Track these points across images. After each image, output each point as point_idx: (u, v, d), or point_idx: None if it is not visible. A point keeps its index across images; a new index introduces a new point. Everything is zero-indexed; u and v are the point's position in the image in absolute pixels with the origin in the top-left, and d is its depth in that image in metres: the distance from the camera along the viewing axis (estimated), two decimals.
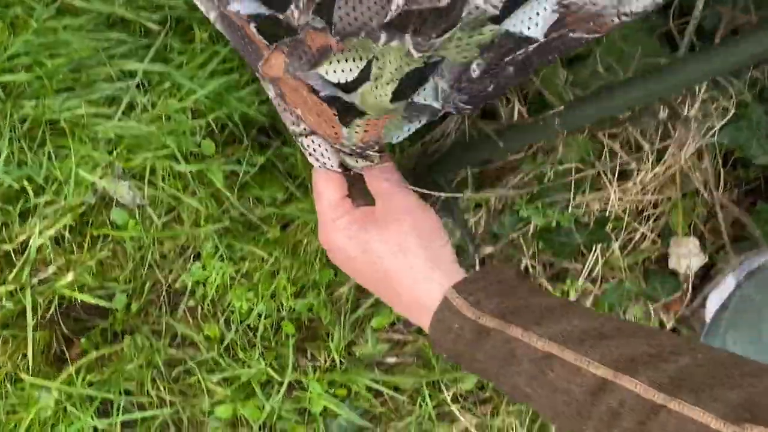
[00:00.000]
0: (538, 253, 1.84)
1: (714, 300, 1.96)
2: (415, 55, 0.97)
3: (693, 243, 1.96)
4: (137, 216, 1.47)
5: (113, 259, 1.55)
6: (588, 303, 1.86)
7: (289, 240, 1.64)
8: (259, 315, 1.66)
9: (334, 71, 1.01)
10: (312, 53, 1.00)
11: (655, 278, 1.90)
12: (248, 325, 1.68)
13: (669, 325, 1.96)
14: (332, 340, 1.71)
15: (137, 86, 1.42)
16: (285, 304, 1.67)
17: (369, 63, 1.00)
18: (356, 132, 1.08)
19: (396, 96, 1.02)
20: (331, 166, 1.15)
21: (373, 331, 1.74)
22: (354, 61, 1.00)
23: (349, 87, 1.02)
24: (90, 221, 1.47)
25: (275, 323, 1.69)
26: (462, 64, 1.03)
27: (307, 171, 1.58)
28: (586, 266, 1.84)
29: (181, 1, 1.38)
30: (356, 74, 1.00)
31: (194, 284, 1.62)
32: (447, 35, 0.95)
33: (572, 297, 1.85)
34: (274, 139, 1.57)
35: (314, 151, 1.15)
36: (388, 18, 0.94)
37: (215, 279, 1.61)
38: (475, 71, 1.04)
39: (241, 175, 1.53)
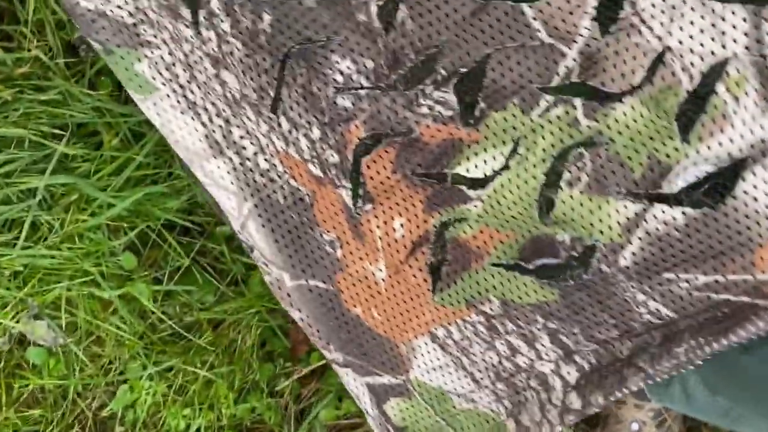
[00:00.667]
0: None
1: None
2: (583, 123, 0.82)
3: None
4: (57, 352, 1.29)
5: (30, 396, 1.36)
6: None
7: (222, 341, 1.49)
8: (198, 430, 1.51)
9: (475, 166, 0.87)
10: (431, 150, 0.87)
11: None
12: None
13: None
14: None
15: (39, 203, 1.25)
16: (225, 413, 1.52)
17: (516, 145, 0.85)
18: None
19: (548, 180, 0.85)
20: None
21: (322, 426, 1.62)
22: (495, 147, 0.86)
23: (482, 182, 0.88)
24: (3, 367, 1.28)
25: None
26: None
27: (236, 264, 1.44)
28: None
29: (84, 108, 1.22)
30: (502, 162, 0.86)
31: (123, 409, 1.45)
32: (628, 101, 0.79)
33: None
34: (194, 235, 1.42)
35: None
36: (556, 81, 0.81)
37: (145, 400, 1.45)
38: None
39: (164, 283, 1.37)
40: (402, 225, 0.93)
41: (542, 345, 0.94)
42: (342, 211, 0.94)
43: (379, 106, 0.88)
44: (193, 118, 0.93)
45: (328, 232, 0.96)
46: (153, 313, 1.39)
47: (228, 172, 0.94)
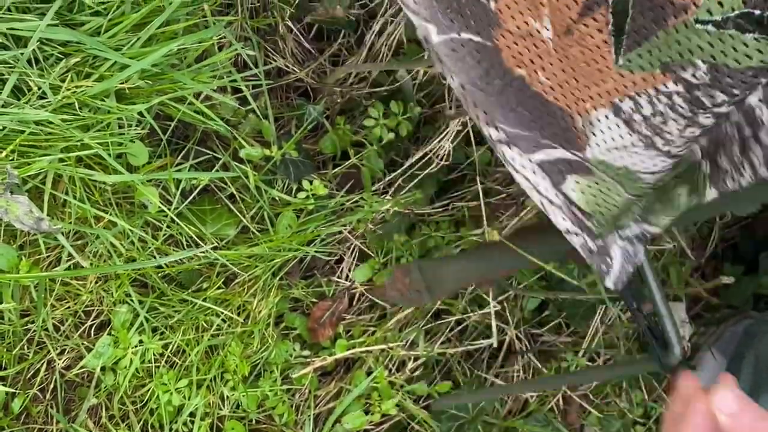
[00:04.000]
0: (523, 323, 1.51)
1: (700, 381, 1.69)
2: None
3: (682, 309, 1.71)
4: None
5: None
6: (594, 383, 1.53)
7: (234, 301, 1.21)
8: (192, 415, 1.19)
9: None
10: None
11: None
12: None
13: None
14: None
15: (29, 62, 1.00)
16: (230, 396, 1.21)
17: None
18: None
19: None
20: None
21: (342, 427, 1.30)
22: None
23: None
24: None
25: (214, 425, 1.22)
26: None
27: (264, 199, 1.19)
28: (586, 339, 1.53)
29: None
30: None
31: (102, 372, 1.14)
32: None
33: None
34: (219, 152, 1.17)
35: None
36: None
37: (131, 362, 1.14)
38: None
39: (174, 200, 1.11)
40: None
41: (762, 123, 0.73)
42: None
43: None
44: None
45: None
46: (156, 239, 1.11)
47: None
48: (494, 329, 1.42)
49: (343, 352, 1.31)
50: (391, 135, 1.26)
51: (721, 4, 0.68)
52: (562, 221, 0.92)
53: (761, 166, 0.76)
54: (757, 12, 0.67)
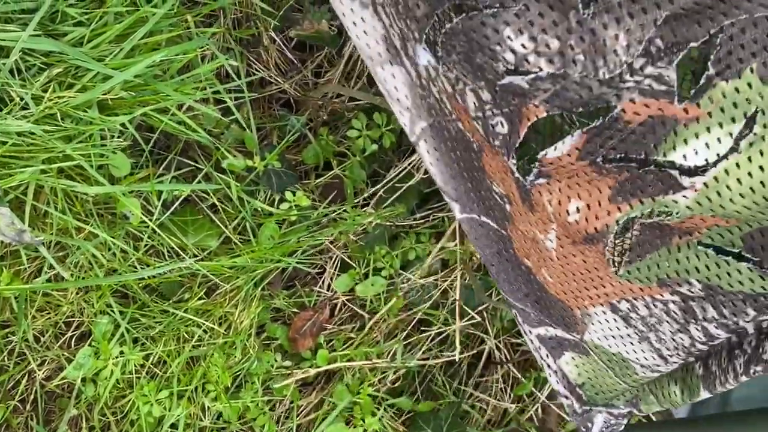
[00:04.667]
0: (503, 333, 1.52)
1: None
2: None
3: None
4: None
5: None
6: None
7: (215, 312, 1.21)
8: (174, 426, 1.19)
9: (695, 151, 0.69)
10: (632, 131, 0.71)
11: None
12: None
13: None
14: None
15: (11, 72, 1.00)
16: (211, 407, 1.22)
17: (751, 120, 0.68)
18: None
19: None
20: None
21: None
22: (722, 126, 0.69)
23: (700, 169, 0.71)
24: None
25: None
26: None
27: (246, 210, 1.19)
28: None
29: None
30: (729, 144, 0.69)
31: (82, 383, 1.14)
32: None
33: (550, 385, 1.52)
34: (201, 162, 1.18)
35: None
36: None
37: (112, 372, 1.14)
38: None
39: (156, 211, 1.11)
40: (578, 209, 0.78)
41: (746, 333, 0.80)
42: (509, 174, 0.81)
43: (567, 84, 0.71)
44: (372, 16, 0.83)
45: (498, 184, 0.84)
46: (137, 250, 1.12)
47: (403, 84, 0.84)
48: (457, 343, 1.43)
49: (324, 363, 1.32)
50: (374, 146, 1.27)
51: (722, 236, 0.72)
52: (555, 383, 0.99)
53: (741, 374, 0.81)
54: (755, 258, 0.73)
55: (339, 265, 1.33)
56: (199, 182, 1.18)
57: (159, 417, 1.18)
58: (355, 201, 1.28)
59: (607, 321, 0.88)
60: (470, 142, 0.83)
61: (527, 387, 1.50)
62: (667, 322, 0.83)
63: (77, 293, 1.13)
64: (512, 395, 1.51)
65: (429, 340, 1.43)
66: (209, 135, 1.15)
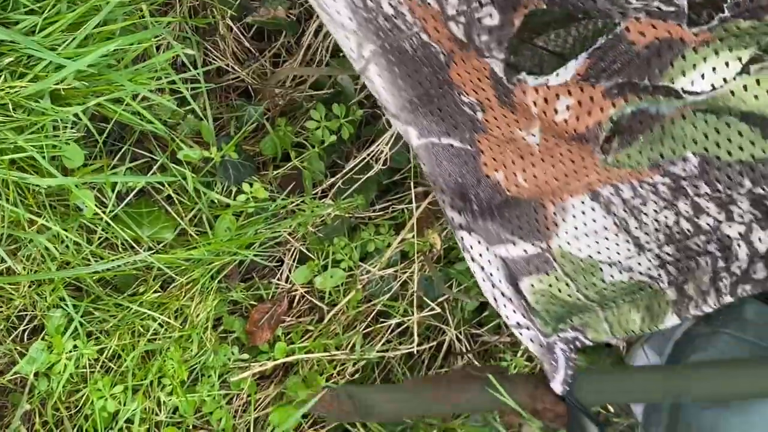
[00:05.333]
0: (463, 324, 1.53)
1: None
2: None
3: None
4: None
5: None
6: None
7: (171, 305, 1.20)
8: (129, 421, 1.18)
9: (702, 75, 0.68)
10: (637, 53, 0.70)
11: (591, 351, 1.63)
12: None
13: None
14: None
15: None
16: (167, 401, 1.21)
17: (765, 51, 0.67)
18: None
19: None
20: None
21: None
22: (732, 51, 0.67)
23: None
24: None
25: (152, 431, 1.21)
26: None
27: (202, 202, 1.18)
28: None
29: None
30: (739, 68, 0.67)
31: (35, 378, 1.13)
32: None
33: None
34: (156, 154, 1.16)
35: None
36: None
37: (65, 367, 1.13)
38: None
39: (109, 202, 1.10)
40: (568, 107, 0.75)
41: (738, 208, 0.77)
42: (487, 78, 0.79)
43: None
44: None
45: (467, 94, 0.82)
46: (90, 242, 1.10)
47: (345, 7, 0.81)
48: (416, 335, 1.43)
49: (282, 356, 1.31)
50: (333, 137, 1.26)
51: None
52: (512, 313, 0.96)
53: (726, 294, 0.81)
54: None
55: (297, 257, 1.32)
56: (155, 174, 1.17)
57: (114, 412, 1.17)
58: (314, 192, 1.28)
59: (584, 213, 0.85)
60: (434, 54, 0.80)
61: None
62: (653, 201, 0.81)
63: (30, 286, 1.11)
64: None
65: (389, 331, 1.43)
66: (165, 126, 1.13)
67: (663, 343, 1.73)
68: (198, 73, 1.14)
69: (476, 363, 1.53)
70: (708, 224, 0.80)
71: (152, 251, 1.16)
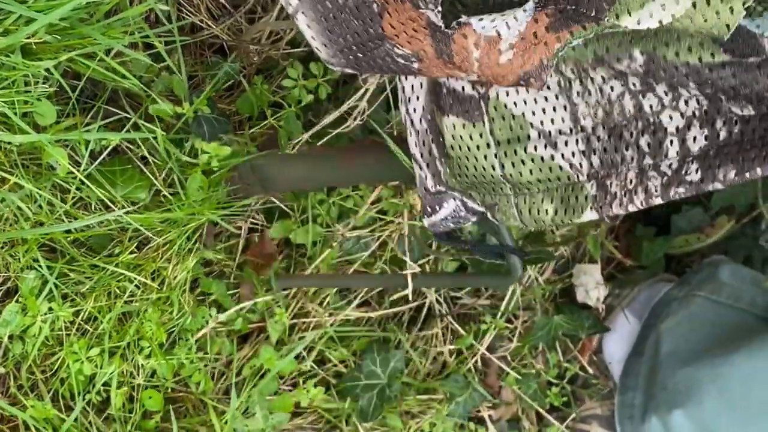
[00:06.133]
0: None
1: (612, 343, 1.74)
2: None
3: (597, 271, 1.76)
4: None
5: None
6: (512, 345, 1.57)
7: (147, 267, 1.19)
8: (107, 384, 1.18)
9: (650, 14, 0.65)
10: None
11: (571, 314, 1.64)
12: (89, 402, 1.18)
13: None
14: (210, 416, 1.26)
15: None
16: (145, 364, 1.20)
17: None
18: None
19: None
20: None
21: (262, 396, 1.31)
22: None
23: None
24: None
25: (130, 395, 1.21)
26: None
27: (173, 161, 1.17)
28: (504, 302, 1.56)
29: None
30: (688, 5, 0.64)
31: (9, 341, 1.12)
32: None
33: (490, 337, 1.54)
34: (130, 111, 1.15)
35: None
36: None
37: (41, 329, 1.12)
38: None
39: (83, 161, 1.09)
40: (512, 45, 0.72)
41: (688, 93, 0.75)
42: (423, 28, 0.76)
43: None
44: None
45: (401, 46, 0.79)
46: (64, 202, 1.09)
47: None
48: (410, 293, 1.43)
49: (258, 317, 1.32)
50: (311, 96, 1.26)
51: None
52: (413, 146, 0.93)
53: (657, 197, 0.78)
54: None
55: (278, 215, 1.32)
56: (128, 131, 1.16)
57: (90, 375, 1.16)
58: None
59: None
60: (365, 4, 0.77)
61: (467, 340, 1.51)
62: (602, 75, 0.79)
63: (2, 247, 1.10)
64: (452, 348, 1.53)
65: (367, 293, 1.44)
66: (139, 82, 1.12)
67: (644, 307, 1.74)
68: (173, 28, 1.12)
69: (456, 326, 1.54)
70: (651, 106, 0.78)
71: (127, 211, 1.14)
